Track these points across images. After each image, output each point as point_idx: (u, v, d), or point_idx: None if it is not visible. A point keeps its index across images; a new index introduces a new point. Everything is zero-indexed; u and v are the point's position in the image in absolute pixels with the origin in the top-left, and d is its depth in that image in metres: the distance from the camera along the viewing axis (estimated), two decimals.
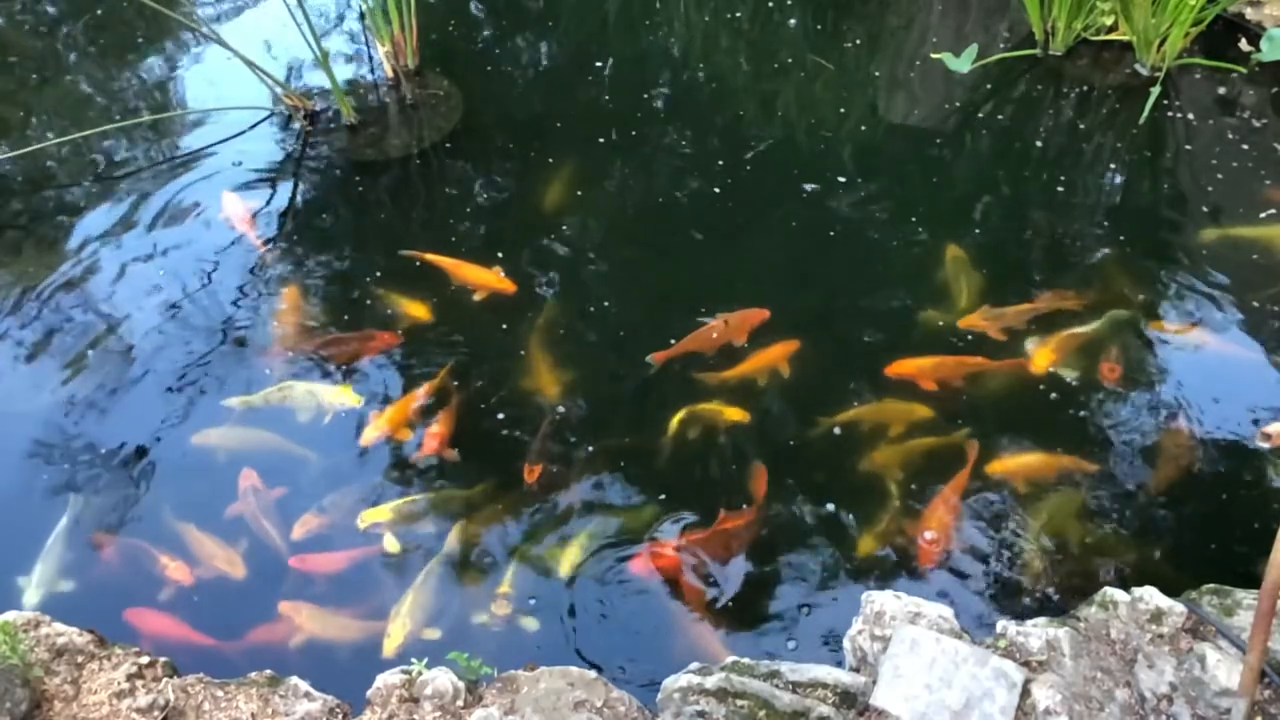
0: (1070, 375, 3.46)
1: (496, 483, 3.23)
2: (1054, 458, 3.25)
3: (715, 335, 3.59)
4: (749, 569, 3.00)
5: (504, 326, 3.68)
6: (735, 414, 3.34)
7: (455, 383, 3.48)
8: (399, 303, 3.76)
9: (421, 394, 3.44)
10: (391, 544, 3.06)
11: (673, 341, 3.58)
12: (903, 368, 3.46)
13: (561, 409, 3.41)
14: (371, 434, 3.31)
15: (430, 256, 3.89)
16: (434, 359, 3.59)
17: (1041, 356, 3.49)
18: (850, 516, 3.11)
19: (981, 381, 3.47)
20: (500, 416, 3.41)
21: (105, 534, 3.11)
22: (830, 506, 3.14)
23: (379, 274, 3.89)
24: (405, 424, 3.36)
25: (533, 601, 2.93)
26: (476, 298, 3.76)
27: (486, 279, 3.81)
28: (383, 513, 3.12)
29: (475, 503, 3.18)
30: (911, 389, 3.43)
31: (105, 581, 3.01)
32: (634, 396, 3.51)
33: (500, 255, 3.92)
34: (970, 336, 3.60)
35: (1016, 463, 3.24)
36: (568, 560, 2.99)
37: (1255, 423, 3.33)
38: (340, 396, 3.42)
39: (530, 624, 2.88)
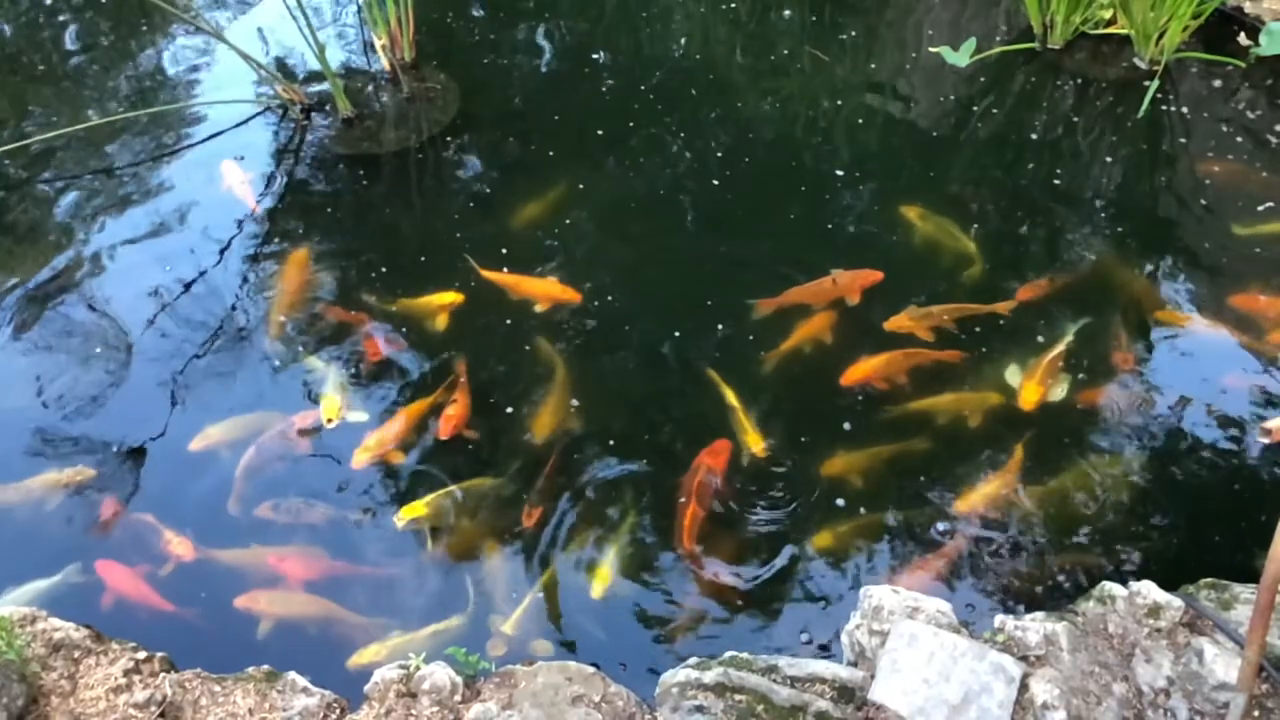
0: (1061, 395, 3.41)
1: (512, 487, 3.21)
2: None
3: (824, 291, 3.63)
4: (749, 565, 3.01)
5: (508, 322, 3.67)
6: (756, 443, 3.26)
7: (463, 380, 3.44)
8: (400, 301, 3.74)
9: (423, 406, 3.39)
10: (430, 545, 3.06)
11: (679, 333, 3.61)
12: (855, 374, 3.43)
13: (575, 404, 3.39)
14: (363, 456, 3.24)
15: (488, 274, 3.82)
16: (438, 359, 3.57)
17: (1029, 391, 3.38)
18: (858, 511, 3.11)
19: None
20: (509, 410, 3.39)
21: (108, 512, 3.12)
22: (840, 502, 3.14)
23: (384, 269, 3.88)
24: (402, 441, 3.30)
25: (541, 596, 2.93)
26: (538, 309, 3.70)
27: (549, 291, 3.74)
28: (418, 508, 3.09)
29: (500, 498, 3.16)
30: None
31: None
32: (641, 393, 3.51)
33: (504, 251, 3.90)
34: (977, 329, 3.60)
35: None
36: (599, 582, 2.96)
37: (1256, 417, 3.33)
38: (332, 408, 3.37)
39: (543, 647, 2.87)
